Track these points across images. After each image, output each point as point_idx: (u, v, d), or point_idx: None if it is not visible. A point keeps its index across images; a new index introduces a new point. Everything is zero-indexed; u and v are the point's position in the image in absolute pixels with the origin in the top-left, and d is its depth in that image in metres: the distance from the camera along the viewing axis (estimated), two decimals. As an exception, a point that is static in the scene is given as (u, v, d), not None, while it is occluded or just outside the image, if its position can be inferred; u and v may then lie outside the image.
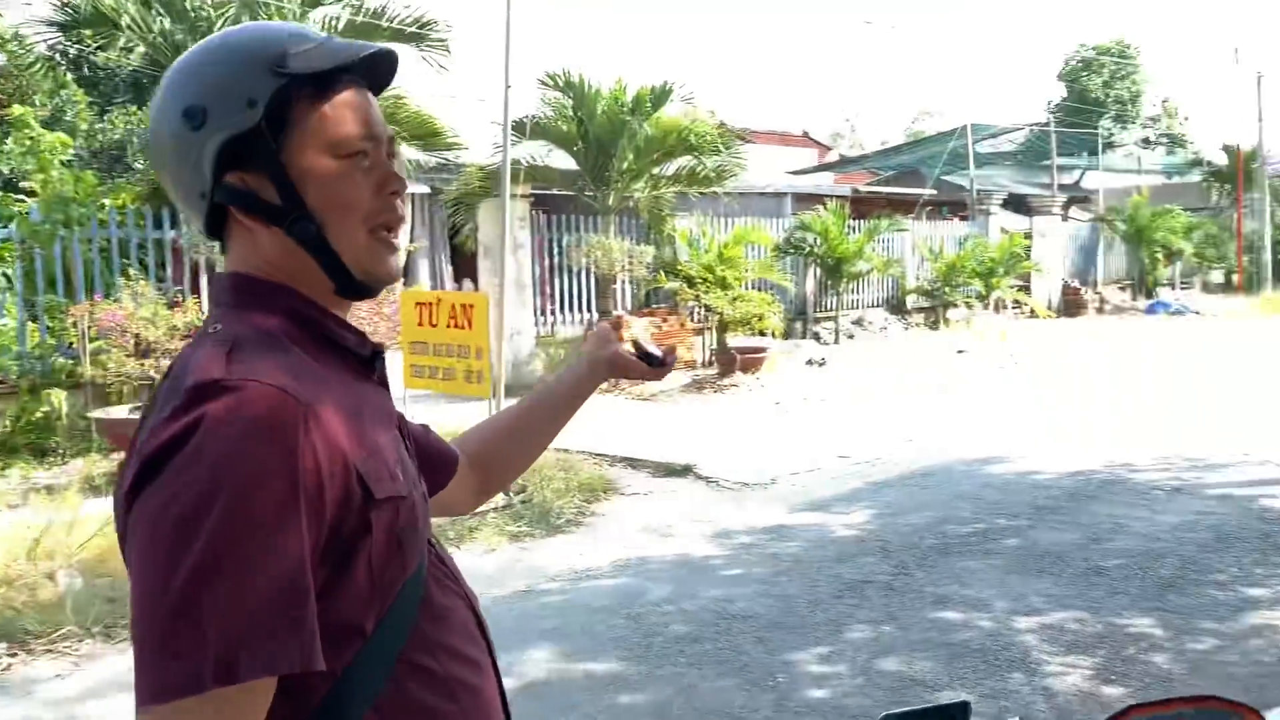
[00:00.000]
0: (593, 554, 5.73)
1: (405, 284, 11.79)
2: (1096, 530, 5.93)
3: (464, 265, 12.96)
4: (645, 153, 11.87)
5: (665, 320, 13.68)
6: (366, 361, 1.10)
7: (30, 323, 8.78)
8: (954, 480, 7.30)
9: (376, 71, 1.09)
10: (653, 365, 1.41)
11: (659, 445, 8.29)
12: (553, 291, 13.17)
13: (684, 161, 12.38)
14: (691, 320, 14.03)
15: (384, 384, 1.12)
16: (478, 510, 5.42)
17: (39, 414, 8.04)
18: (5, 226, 9.05)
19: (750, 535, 6.01)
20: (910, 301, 18.68)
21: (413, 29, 8.13)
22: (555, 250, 13.01)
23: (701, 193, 12.97)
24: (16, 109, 9.95)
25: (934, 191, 22.00)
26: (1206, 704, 1.30)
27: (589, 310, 13.30)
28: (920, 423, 9.54)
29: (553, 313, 13.11)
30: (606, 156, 11.92)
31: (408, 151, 9.69)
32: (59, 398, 7.94)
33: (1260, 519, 6.07)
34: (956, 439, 8.75)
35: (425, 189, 13.79)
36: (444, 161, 11.39)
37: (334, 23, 8.08)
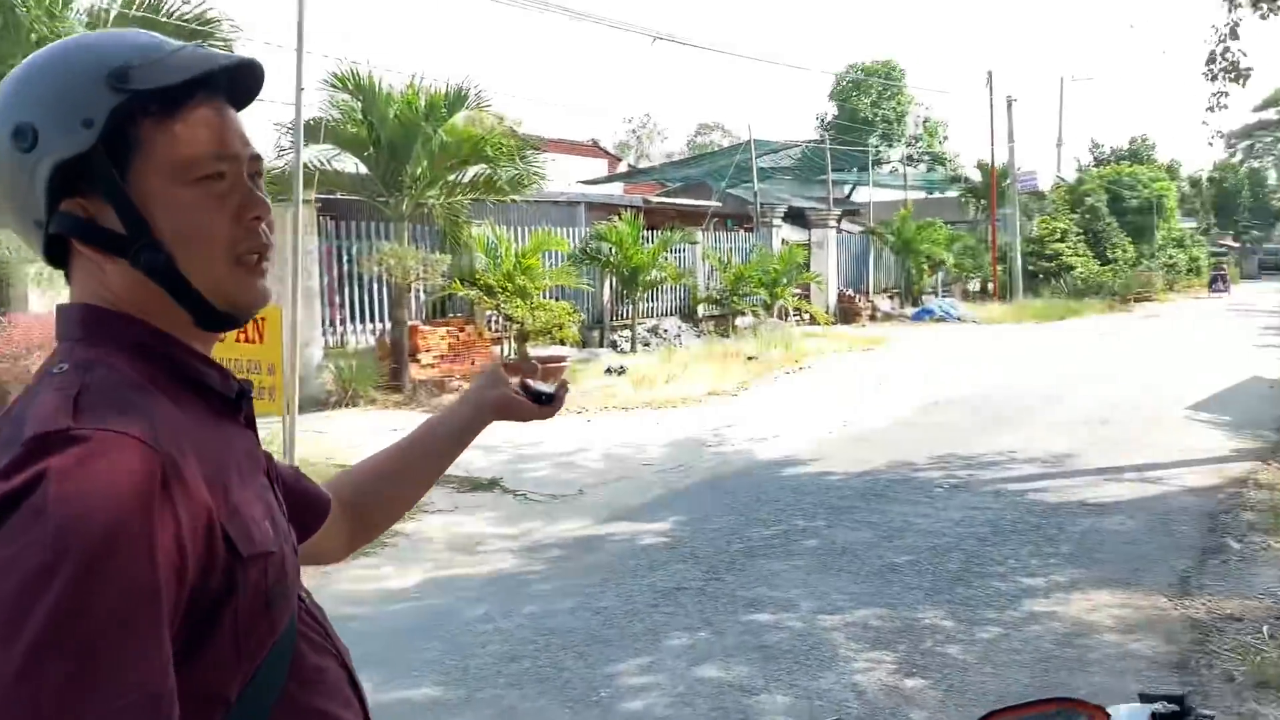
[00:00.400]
0: (400, 575, 5.53)
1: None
2: (888, 528, 6.25)
3: (245, 273, 12.28)
4: (440, 159, 11.62)
5: (462, 330, 13.47)
6: (231, 402, 0.98)
7: None
8: (754, 484, 7.53)
9: (238, 84, 0.98)
10: (543, 404, 1.35)
11: (462, 458, 8.10)
12: (342, 301, 12.70)
13: (481, 169, 12.20)
14: (489, 329, 13.88)
15: (251, 426, 1.02)
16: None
17: None
18: None
19: (562, 548, 5.97)
20: (702, 310, 19.24)
21: (195, 25, 7.57)
22: (344, 258, 12.56)
23: (498, 201, 12.84)
24: None
25: (720, 204, 22.75)
26: (1058, 706, 1.37)
27: (381, 320, 12.92)
28: (718, 428, 9.81)
29: (342, 323, 12.64)
30: (399, 162, 11.59)
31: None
32: None
33: (1030, 513, 6.57)
34: (753, 443, 9.05)
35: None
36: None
37: (103, 15, 7.44)
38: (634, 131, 68.60)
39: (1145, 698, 1.31)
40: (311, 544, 1.18)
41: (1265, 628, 4.45)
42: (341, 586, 5.38)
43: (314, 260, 11.49)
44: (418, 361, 12.42)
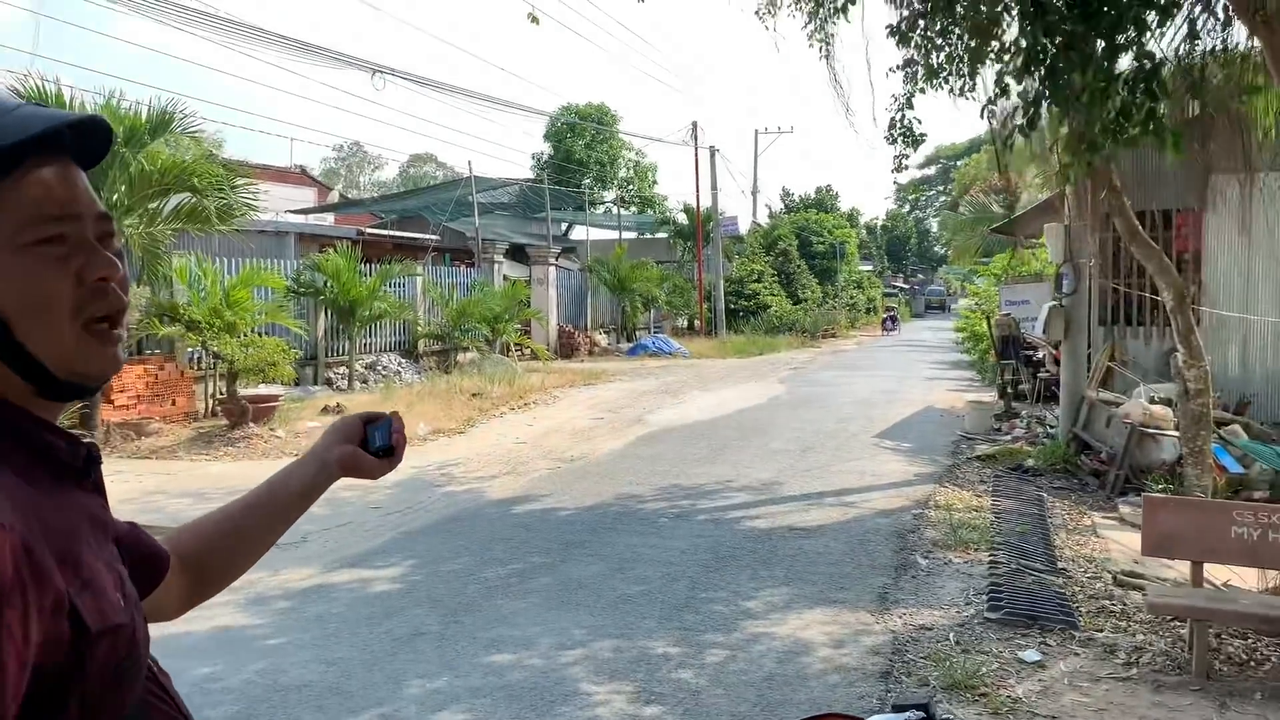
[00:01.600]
0: (108, 638, 5.07)
1: None
2: (619, 560, 6.47)
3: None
4: (140, 187, 10.80)
5: (162, 368, 12.53)
6: (79, 469, 0.94)
7: None
8: (486, 523, 7.54)
9: (85, 141, 0.95)
10: (383, 456, 1.34)
11: (171, 507, 7.58)
12: (21, 336, 11.44)
13: (185, 197, 11.45)
14: (193, 368, 13.00)
15: (99, 490, 0.97)
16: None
17: None
18: None
19: (289, 599, 5.71)
20: (423, 345, 18.96)
21: None
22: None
23: (203, 231, 12.08)
24: None
25: (439, 238, 22.59)
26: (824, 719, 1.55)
27: (68, 357, 11.74)
28: (445, 467, 9.73)
29: (22, 360, 11.38)
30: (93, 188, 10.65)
31: None
32: None
33: (746, 538, 7.03)
34: (482, 481, 9.05)
35: None
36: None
37: None
38: (343, 159, 66.63)
39: (898, 707, 1.51)
40: (148, 602, 1.13)
41: (951, 635, 5.02)
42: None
43: (-13, 291, 10.30)
44: (111, 403, 11.42)
